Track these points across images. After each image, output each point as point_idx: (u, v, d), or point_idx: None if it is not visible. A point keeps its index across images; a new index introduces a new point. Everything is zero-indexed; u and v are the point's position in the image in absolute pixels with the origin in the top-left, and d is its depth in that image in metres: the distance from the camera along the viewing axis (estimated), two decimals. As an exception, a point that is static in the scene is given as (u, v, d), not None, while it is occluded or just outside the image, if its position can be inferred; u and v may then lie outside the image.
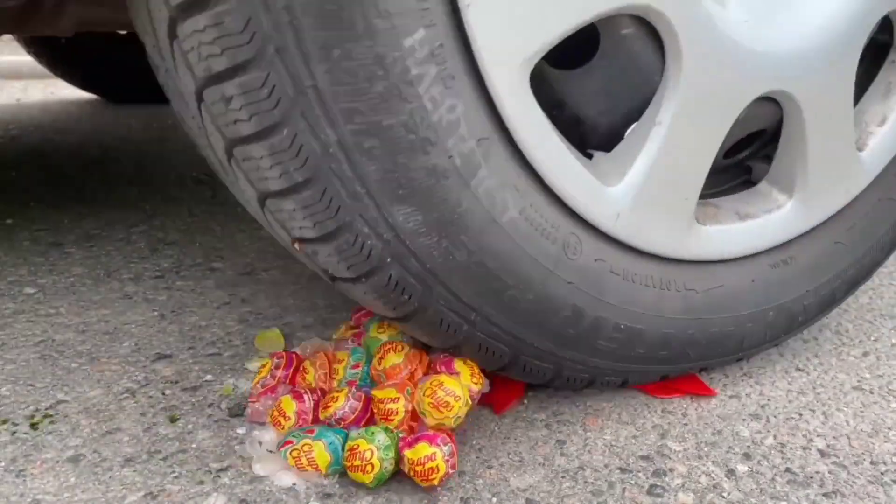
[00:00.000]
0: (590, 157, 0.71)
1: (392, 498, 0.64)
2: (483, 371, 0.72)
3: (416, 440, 0.64)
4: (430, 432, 0.65)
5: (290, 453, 0.65)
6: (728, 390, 0.83)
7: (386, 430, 0.66)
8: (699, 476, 0.68)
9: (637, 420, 0.77)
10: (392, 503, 0.63)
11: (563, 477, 0.67)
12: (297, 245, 0.61)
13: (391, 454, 0.64)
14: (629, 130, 0.71)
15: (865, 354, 0.93)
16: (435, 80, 0.55)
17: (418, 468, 0.63)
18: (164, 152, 2.07)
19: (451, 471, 0.64)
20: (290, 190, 0.56)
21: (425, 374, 0.72)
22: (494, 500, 0.64)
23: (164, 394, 0.79)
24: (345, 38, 0.52)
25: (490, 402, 0.78)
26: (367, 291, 0.62)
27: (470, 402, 0.69)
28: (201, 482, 0.65)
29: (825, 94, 0.76)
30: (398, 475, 0.65)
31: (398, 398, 0.68)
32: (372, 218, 0.57)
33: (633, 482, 0.66)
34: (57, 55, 2.79)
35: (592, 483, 0.66)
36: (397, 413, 0.67)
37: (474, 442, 0.72)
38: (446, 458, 0.63)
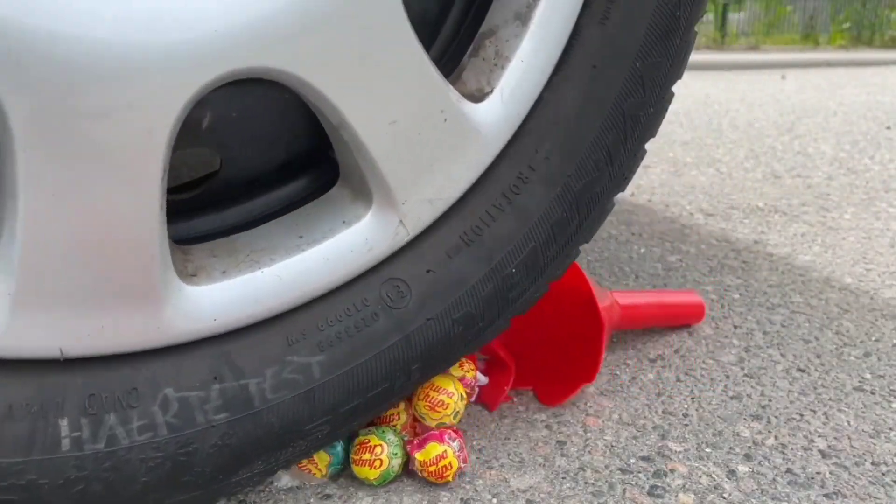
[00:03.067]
0: None
1: (392, 499, 0.63)
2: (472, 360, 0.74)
3: (425, 441, 0.64)
4: (437, 431, 0.65)
5: None
6: (729, 391, 0.83)
7: (395, 431, 0.66)
8: (700, 477, 0.67)
9: (637, 421, 0.76)
10: (392, 503, 0.63)
11: (563, 478, 0.67)
12: None
13: (399, 454, 0.65)
14: None
15: (867, 355, 0.93)
16: None
17: (431, 468, 0.63)
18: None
19: (462, 465, 0.64)
20: None
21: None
22: (494, 500, 0.63)
23: (163, 394, 0.79)
24: None
25: (484, 401, 0.78)
26: None
27: (465, 394, 0.70)
28: (201, 483, 0.65)
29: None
30: (401, 476, 0.65)
31: (398, 404, 0.69)
32: None
33: (633, 483, 0.66)
34: None
35: (593, 484, 0.66)
36: (399, 417, 0.69)
37: (474, 443, 0.72)
38: (457, 453, 0.64)
